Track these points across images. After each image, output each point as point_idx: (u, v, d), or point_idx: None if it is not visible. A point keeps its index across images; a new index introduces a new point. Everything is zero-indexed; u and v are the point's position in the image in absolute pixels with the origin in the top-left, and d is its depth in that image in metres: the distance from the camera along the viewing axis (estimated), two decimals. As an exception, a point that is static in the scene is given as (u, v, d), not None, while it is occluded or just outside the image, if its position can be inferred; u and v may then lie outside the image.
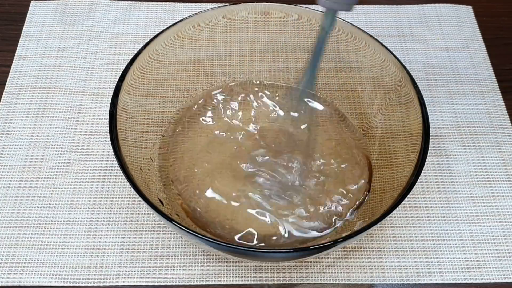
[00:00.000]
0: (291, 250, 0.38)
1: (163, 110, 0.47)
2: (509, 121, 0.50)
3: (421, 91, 0.42)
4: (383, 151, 0.45)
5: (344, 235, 0.35)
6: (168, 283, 0.40)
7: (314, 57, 0.40)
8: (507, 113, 0.51)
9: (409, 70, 0.43)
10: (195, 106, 0.48)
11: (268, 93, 0.49)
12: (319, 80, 0.50)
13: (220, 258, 0.42)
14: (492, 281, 0.41)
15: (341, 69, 0.49)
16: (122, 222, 0.43)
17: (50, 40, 0.54)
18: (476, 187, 0.46)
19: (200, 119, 0.48)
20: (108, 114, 0.39)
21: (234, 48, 0.50)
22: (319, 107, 0.49)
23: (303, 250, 0.38)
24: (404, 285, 0.41)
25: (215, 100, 0.49)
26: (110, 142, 0.38)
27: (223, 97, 0.49)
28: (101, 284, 0.40)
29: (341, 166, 0.45)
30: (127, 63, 0.42)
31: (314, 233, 0.41)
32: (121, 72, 0.42)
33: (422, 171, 0.38)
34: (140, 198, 0.36)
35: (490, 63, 0.54)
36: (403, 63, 0.43)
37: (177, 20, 0.46)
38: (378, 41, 0.45)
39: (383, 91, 0.46)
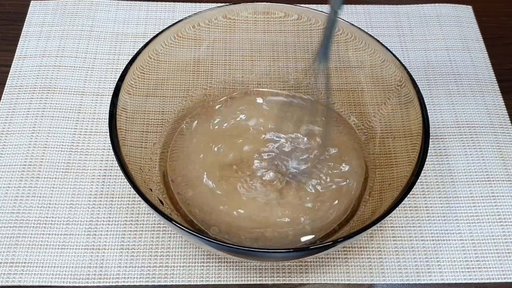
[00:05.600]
0: (291, 250, 0.38)
1: (163, 110, 0.47)
2: (509, 121, 0.50)
3: (421, 91, 0.42)
4: (383, 151, 0.45)
5: (344, 235, 0.35)
6: (168, 283, 0.40)
7: (326, 38, 0.39)
8: (507, 113, 0.51)
9: (409, 70, 0.43)
10: (196, 107, 0.48)
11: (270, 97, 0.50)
12: (319, 80, 0.50)
13: (220, 258, 0.42)
14: (492, 281, 0.41)
15: (341, 69, 0.49)
16: (122, 222, 0.43)
17: (50, 40, 0.54)
18: (476, 187, 0.46)
19: (201, 119, 0.48)
20: (108, 114, 0.39)
21: (234, 48, 0.50)
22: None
23: (303, 250, 0.38)
24: (404, 285, 0.41)
25: (216, 101, 0.49)
26: (110, 142, 0.38)
27: (224, 98, 0.49)
28: (101, 284, 0.40)
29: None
30: (127, 63, 0.42)
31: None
32: (121, 72, 0.42)
33: (422, 171, 0.38)
34: (140, 198, 0.36)
35: (490, 63, 0.54)
36: (403, 63, 0.43)
37: (177, 20, 0.46)
38: (378, 41, 0.45)
39: (383, 91, 0.46)
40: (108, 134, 0.39)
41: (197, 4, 0.58)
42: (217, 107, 0.49)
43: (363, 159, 0.46)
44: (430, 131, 0.41)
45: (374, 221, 0.35)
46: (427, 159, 0.40)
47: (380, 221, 0.35)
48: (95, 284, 0.40)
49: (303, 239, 0.41)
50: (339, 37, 0.47)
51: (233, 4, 0.48)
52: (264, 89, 0.50)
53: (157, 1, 0.58)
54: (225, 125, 0.47)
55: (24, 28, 0.55)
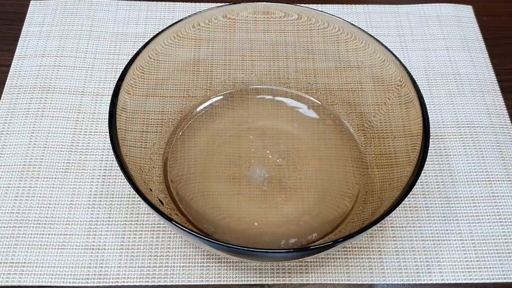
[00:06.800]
0: (291, 250, 0.38)
1: (163, 110, 0.47)
2: (509, 121, 0.50)
3: (421, 91, 0.42)
4: (383, 151, 0.45)
5: (344, 235, 0.35)
6: (168, 283, 0.40)
7: None
8: (507, 113, 0.51)
9: (409, 70, 0.43)
10: (196, 107, 0.48)
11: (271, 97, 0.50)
12: (319, 80, 0.50)
13: (220, 258, 0.41)
14: (492, 281, 0.41)
15: (341, 69, 0.49)
16: (122, 222, 0.43)
17: (49, 40, 0.54)
18: (476, 187, 0.46)
19: (201, 119, 0.48)
20: (108, 114, 0.39)
21: (234, 48, 0.50)
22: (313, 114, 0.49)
23: (303, 250, 0.38)
24: (404, 285, 0.41)
25: (216, 101, 0.49)
26: (110, 142, 0.38)
27: (224, 98, 0.49)
28: (101, 284, 0.40)
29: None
30: (127, 63, 0.42)
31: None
32: (121, 72, 0.42)
33: (422, 171, 0.38)
34: (140, 198, 0.36)
35: (490, 63, 0.54)
36: (403, 63, 0.43)
37: (177, 20, 0.46)
38: (378, 41, 0.45)
39: (383, 91, 0.46)
40: (108, 134, 0.39)
41: (197, 4, 0.58)
42: (216, 107, 0.49)
43: (361, 160, 0.46)
44: (430, 131, 0.41)
45: (374, 221, 0.35)
46: (427, 159, 0.40)
47: (380, 221, 0.35)
48: (95, 284, 0.40)
49: (303, 239, 0.41)
50: (339, 37, 0.47)
51: (233, 4, 0.48)
52: (264, 89, 0.50)
53: (157, 1, 0.58)
54: (225, 125, 0.47)
55: (23, 28, 0.55)
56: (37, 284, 0.40)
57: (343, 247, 0.42)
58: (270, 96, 0.50)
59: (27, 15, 0.56)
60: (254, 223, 0.42)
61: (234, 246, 0.35)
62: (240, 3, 0.48)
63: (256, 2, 0.48)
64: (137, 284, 0.40)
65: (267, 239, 0.41)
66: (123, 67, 0.42)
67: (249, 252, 0.36)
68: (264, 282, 0.41)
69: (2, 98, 0.49)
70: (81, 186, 0.45)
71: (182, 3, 0.58)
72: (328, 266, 0.41)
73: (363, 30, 0.46)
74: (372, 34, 0.45)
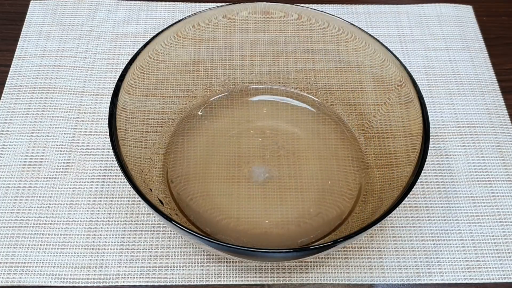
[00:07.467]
0: (291, 250, 0.38)
1: (163, 110, 0.47)
2: (509, 121, 0.50)
3: (421, 91, 0.42)
4: (383, 151, 0.45)
5: (344, 235, 0.35)
6: (168, 283, 0.40)
7: None
8: (507, 113, 0.51)
9: (409, 70, 0.43)
10: (196, 107, 0.48)
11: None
12: (319, 80, 0.50)
13: (220, 258, 0.41)
14: (492, 281, 0.41)
15: (341, 69, 0.49)
16: (122, 222, 0.43)
17: (49, 40, 0.54)
18: (476, 187, 0.46)
19: (201, 119, 0.48)
20: (108, 114, 0.39)
21: (234, 48, 0.50)
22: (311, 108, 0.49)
23: (303, 250, 0.38)
24: (404, 285, 0.41)
25: (216, 101, 0.49)
26: (110, 142, 0.38)
27: (224, 98, 0.49)
28: (101, 284, 0.40)
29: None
30: (127, 63, 0.42)
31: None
32: (121, 72, 0.42)
33: (422, 171, 0.38)
34: (140, 198, 0.36)
35: (490, 63, 0.54)
36: (403, 63, 0.43)
37: (177, 20, 0.46)
38: (378, 40, 0.45)
39: (383, 91, 0.46)
40: (108, 134, 0.39)
41: (197, 4, 0.58)
42: (216, 107, 0.49)
43: (361, 160, 0.46)
44: (430, 131, 0.41)
45: (374, 221, 0.35)
46: (427, 159, 0.40)
47: (380, 221, 0.35)
48: (95, 284, 0.40)
49: (303, 239, 0.41)
50: (339, 37, 0.47)
51: (233, 4, 0.48)
52: (264, 89, 0.50)
53: (157, 1, 0.58)
54: (225, 125, 0.47)
55: (23, 28, 0.55)
56: (37, 284, 0.40)
57: (343, 247, 0.42)
58: (270, 96, 0.50)
59: (27, 15, 0.56)
60: (254, 223, 0.42)
61: (234, 246, 0.35)
62: (240, 3, 0.48)
63: (256, 2, 0.48)
64: (137, 284, 0.40)
65: (267, 239, 0.41)
66: (123, 67, 0.42)
67: (249, 252, 0.36)
68: (264, 282, 0.41)
69: (2, 98, 0.49)
70: (81, 186, 0.45)
71: (182, 3, 0.58)
72: (328, 266, 0.42)
73: (363, 30, 0.46)
74: (372, 34, 0.45)
